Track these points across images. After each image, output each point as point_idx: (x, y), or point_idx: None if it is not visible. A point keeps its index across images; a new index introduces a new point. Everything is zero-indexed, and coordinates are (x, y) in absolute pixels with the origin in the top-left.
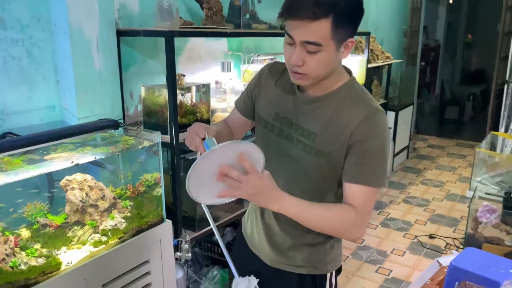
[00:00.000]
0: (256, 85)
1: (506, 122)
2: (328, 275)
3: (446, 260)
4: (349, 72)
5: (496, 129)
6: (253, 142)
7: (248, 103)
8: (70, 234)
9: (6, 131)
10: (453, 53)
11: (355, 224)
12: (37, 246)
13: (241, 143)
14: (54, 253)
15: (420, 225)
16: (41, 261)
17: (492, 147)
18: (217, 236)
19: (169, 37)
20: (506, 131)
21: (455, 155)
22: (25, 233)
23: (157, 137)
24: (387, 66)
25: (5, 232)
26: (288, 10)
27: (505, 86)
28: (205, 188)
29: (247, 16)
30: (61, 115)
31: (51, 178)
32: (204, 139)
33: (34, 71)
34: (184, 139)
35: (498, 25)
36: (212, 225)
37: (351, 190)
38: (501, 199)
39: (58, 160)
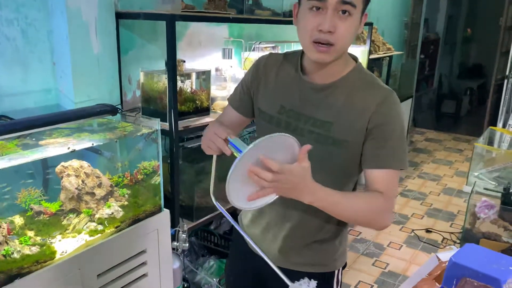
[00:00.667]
0: (254, 78)
1: (504, 117)
2: (336, 271)
3: (445, 255)
4: (354, 58)
5: (494, 124)
6: (240, 123)
7: (245, 99)
8: (65, 222)
9: (0, 114)
10: (452, 46)
11: (385, 210)
12: (31, 234)
13: (278, 135)
14: (48, 241)
15: (417, 219)
16: (35, 249)
17: (490, 142)
18: (243, 234)
19: (171, 21)
20: (504, 126)
21: (452, 149)
22: (18, 220)
23: (157, 124)
24: (388, 58)
25: None
26: None
27: (505, 81)
28: (241, 191)
29: (250, 1)
30: (57, 99)
31: (46, 164)
32: (225, 140)
33: (29, 52)
34: (184, 127)
35: (500, 19)
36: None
37: (375, 176)
38: (499, 194)
39: (53, 145)
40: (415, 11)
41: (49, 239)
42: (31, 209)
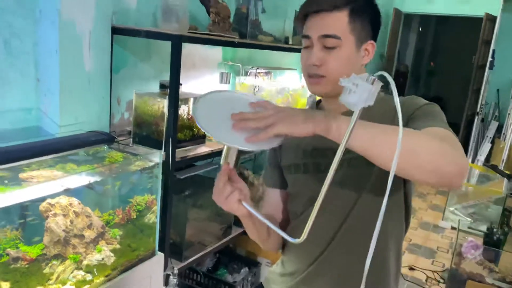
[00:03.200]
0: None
1: (473, 153)
2: None
3: None
4: None
5: None
6: (285, 199)
7: (276, 172)
8: (47, 270)
9: None
10: (418, 79)
11: (449, 145)
12: (6, 286)
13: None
14: None
15: None
16: None
17: None
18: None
19: (177, 41)
20: (473, 161)
21: None
22: None
23: (158, 157)
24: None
25: None
26: (306, 6)
27: (476, 118)
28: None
29: (251, 25)
30: (38, 120)
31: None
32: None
33: (10, 66)
34: (181, 158)
35: (473, 58)
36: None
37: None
38: (478, 232)
39: (38, 180)
40: (391, 44)
41: None
42: (8, 254)
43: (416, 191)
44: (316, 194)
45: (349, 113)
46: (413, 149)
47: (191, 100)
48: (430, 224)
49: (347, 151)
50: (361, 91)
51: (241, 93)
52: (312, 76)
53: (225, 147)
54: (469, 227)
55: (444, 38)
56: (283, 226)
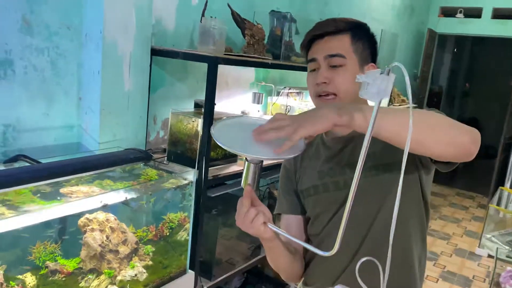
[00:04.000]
0: (289, 173)
1: None
2: None
3: None
4: None
5: (502, 183)
6: (304, 224)
7: (295, 198)
8: (83, 284)
9: (18, 153)
10: (452, 100)
11: (454, 120)
12: None
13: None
14: None
15: (432, 282)
16: None
17: (498, 203)
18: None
19: (214, 63)
20: (511, 186)
21: (457, 205)
22: (30, 279)
23: (192, 175)
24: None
25: (10, 282)
26: (311, 32)
27: None
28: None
29: (284, 47)
30: (79, 137)
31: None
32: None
33: (56, 85)
34: (213, 176)
35: (511, 79)
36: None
37: None
38: None
39: (77, 195)
40: (425, 64)
41: None
42: (46, 267)
43: (451, 216)
44: (338, 212)
45: (355, 132)
46: (430, 125)
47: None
48: (465, 251)
49: (366, 160)
50: (378, 82)
51: (252, 118)
52: (321, 95)
53: (245, 168)
54: (507, 256)
55: (480, 59)
56: (304, 252)
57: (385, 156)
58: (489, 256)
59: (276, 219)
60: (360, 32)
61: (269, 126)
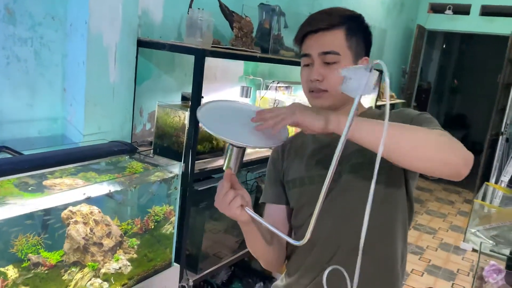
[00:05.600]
0: (277, 163)
1: (497, 173)
2: None
3: None
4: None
5: (487, 179)
6: (287, 214)
7: (280, 188)
8: (66, 277)
9: (1, 145)
10: (441, 96)
11: (453, 140)
12: None
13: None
14: None
15: (417, 276)
16: None
17: (484, 198)
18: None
19: (201, 55)
20: (496, 182)
21: (444, 200)
22: (12, 272)
23: (177, 168)
24: (390, 105)
25: None
26: (304, 26)
27: (500, 138)
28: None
29: (273, 40)
30: (63, 129)
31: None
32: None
33: (40, 76)
34: (199, 170)
35: (499, 77)
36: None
37: None
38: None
39: (60, 187)
40: (414, 60)
41: None
42: (28, 259)
43: (437, 211)
44: (324, 204)
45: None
46: (420, 143)
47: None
48: (450, 245)
49: (348, 158)
50: (359, 78)
51: (241, 103)
52: (313, 91)
53: (228, 152)
54: (491, 250)
55: (469, 56)
56: (287, 242)
57: (371, 152)
58: (474, 250)
59: (261, 208)
60: (354, 26)
61: (269, 114)
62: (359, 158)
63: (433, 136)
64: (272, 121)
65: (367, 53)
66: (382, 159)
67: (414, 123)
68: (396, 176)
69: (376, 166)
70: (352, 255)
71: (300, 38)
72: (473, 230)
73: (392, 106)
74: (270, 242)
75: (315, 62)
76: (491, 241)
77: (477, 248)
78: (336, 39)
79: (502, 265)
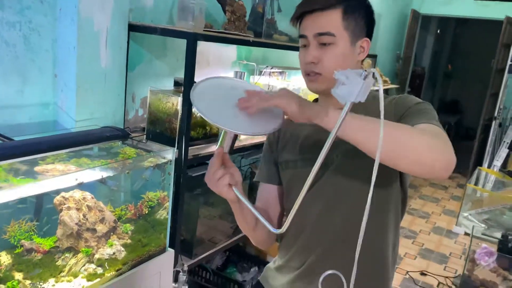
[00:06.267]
0: (272, 143)
1: (489, 158)
2: None
3: None
4: None
5: (480, 163)
6: (280, 194)
7: (274, 168)
8: (60, 262)
9: None
10: (435, 81)
11: (437, 139)
12: (19, 276)
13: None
14: (39, 286)
15: (410, 259)
16: None
17: (476, 182)
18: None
19: (192, 39)
20: (489, 166)
21: (437, 185)
22: (5, 258)
23: (171, 154)
24: (384, 90)
25: None
26: (300, 7)
27: (493, 123)
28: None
29: (266, 24)
30: (55, 115)
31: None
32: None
33: (30, 61)
34: (193, 156)
35: (492, 61)
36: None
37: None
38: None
39: (52, 173)
40: (408, 45)
41: (40, 283)
42: (22, 245)
43: (431, 196)
44: (311, 189)
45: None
46: (400, 140)
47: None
48: (443, 229)
49: (342, 143)
50: (352, 85)
51: (237, 80)
52: (309, 74)
53: (222, 132)
54: (483, 234)
55: (463, 40)
56: (279, 222)
57: None
58: (466, 234)
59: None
60: (354, 4)
61: (256, 97)
62: (352, 145)
63: (421, 140)
64: (257, 102)
65: (368, 34)
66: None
67: (411, 111)
68: (390, 169)
69: (374, 173)
70: (339, 241)
71: (297, 19)
72: (465, 214)
73: (386, 91)
74: (258, 222)
75: (310, 43)
76: (483, 225)
77: (469, 231)
78: (332, 20)
79: (494, 248)
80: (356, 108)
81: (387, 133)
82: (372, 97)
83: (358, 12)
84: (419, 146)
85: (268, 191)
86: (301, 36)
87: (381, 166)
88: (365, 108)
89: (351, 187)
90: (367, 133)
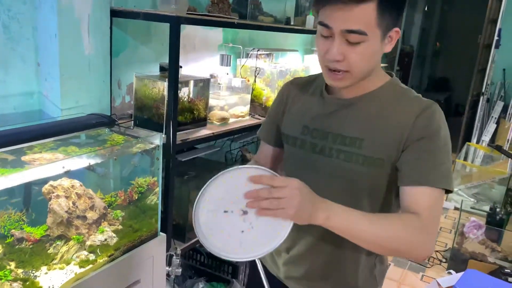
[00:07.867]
0: (279, 105)
1: (478, 133)
2: None
3: (445, 281)
4: (390, 74)
5: (469, 139)
6: (276, 155)
7: (273, 129)
8: (51, 250)
9: None
10: (423, 59)
11: (421, 235)
12: (11, 265)
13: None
14: (32, 275)
15: None
16: (17, 286)
17: (465, 157)
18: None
19: (176, 23)
20: (478, 142)
21: None
22: None
23: (158, 139)
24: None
25: None
26: None
27: (481, 98)
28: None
29: (251, 6)
30: (40, 104)
31: (30, 182)
32: None
33: (11, 50)
34: (182, 140)
35: (479, 37)
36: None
37: (414, 193)
38: (481, 212)
39: (39, 162)
40: None
41: (33, 271)
42: (12, 235)
43: None
44: (304, 172)
45: (357, 99)
46: (383, 246)
47: (192, 82)
48: None
49: (345, 145)
50: None
51: (236, 169)
52: (333, 71)
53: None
54: (472, 207)
55: (450, 17)
56: None
57: (368, 148)
58: (456, 208)
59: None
60: None
61: (264, 195)
62: (356, 149)
63: (403, 243)
64: (266, 204)
65: (398, 21)
66: (379, 157)
67: (423, 144)
68: (387, 173)
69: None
70: (324, 230)
71: (322, 4)
72: (455, 189)
73: None
74: None
75: (336, 39)
76: (472, 199)
77: (458, 206)
78: (365, 15)
79: (482, 221)
80: (373, 99)
81: (370, 240)
82: (401, 93)
83: (392, 2)
84: (401, 247)
85: (265, 149)
86: (323, 25)
87: (380, 170)
88: (380, 100)
89: (343, 191)
90: (354, 237)
